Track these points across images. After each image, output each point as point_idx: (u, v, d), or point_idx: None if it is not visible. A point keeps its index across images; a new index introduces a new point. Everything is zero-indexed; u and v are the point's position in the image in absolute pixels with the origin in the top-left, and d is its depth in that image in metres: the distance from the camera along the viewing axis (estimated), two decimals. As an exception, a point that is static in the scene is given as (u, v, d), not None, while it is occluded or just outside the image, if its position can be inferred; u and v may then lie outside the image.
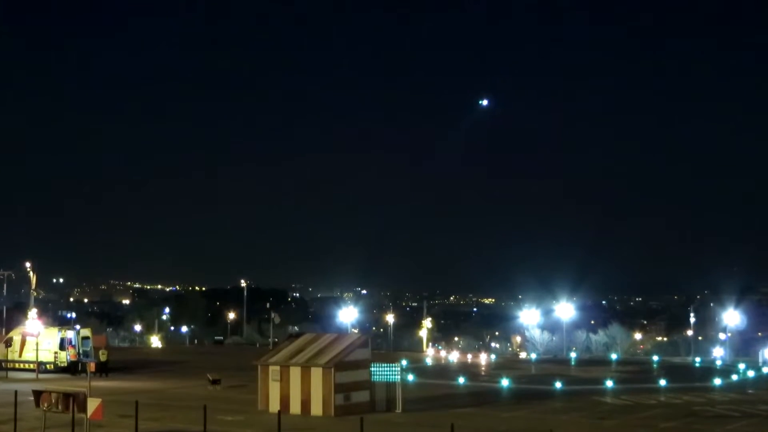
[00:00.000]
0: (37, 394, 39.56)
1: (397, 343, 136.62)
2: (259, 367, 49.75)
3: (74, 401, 37.68)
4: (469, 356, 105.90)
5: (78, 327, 79.41)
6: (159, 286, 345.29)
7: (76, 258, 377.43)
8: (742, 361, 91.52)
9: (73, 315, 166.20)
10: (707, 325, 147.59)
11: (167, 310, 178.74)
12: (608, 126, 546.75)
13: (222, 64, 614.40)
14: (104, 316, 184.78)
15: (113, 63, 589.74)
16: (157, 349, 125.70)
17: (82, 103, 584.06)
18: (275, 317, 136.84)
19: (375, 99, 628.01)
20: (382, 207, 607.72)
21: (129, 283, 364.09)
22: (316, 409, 47.15)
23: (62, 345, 73.48)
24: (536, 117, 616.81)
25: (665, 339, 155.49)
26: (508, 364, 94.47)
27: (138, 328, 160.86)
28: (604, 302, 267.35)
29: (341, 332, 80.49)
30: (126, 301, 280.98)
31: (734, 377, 75.83)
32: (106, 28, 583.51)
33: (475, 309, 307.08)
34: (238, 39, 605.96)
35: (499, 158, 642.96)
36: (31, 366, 71.15)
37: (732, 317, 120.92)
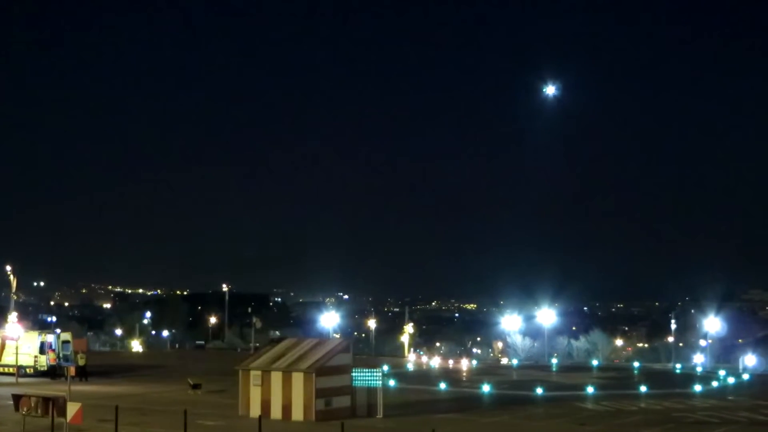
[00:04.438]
0: (17, 398, 39.40)
1: (378, 349, 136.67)
2: (240, 371, 49.59)
3: (54, 405, 37.54)
4: (451, 362, 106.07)
5: (58, 331, 79.04)
6: (140, 290, 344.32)
7: (57, 261, 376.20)
8: (723, 368, 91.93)
9: (54, 319, 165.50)
10: (688, 331, 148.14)
11: (148, 314, 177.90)
12: (586, 130, 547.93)
13: (201, 63, 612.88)
14: (85, 320, 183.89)
15: (87, 60, 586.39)
16: (137, 353, 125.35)
17: (58, 103, 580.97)
18: (256, 322, 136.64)
19: (355, 101, 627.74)
20: (365, 212, 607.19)
21: (110, 286, 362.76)
22: (297, 414, 47.06)
23: (42, 349, 73.11)
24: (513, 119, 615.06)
25: (646, 345, 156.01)
26: (489, 369, 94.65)
27: (119, 332, 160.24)
28: (585, 308, 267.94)
29: (323, 337, 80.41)
30: (107, 305, 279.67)
31: (714, 384, 76.15)
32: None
33: (456, 315, 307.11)
34: (203, 36, 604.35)
35: (477, 163, 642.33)
36: (11, 370, 70.72)
37: (713, 324, 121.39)
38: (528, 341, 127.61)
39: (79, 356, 72.87)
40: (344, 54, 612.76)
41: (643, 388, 68.47)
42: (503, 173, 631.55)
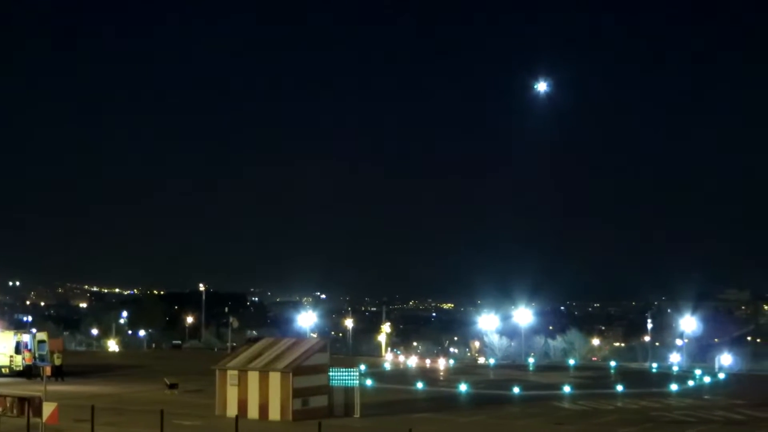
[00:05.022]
0: (-8, 398, 39.21)
1: (356, 348, 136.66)
2: (217, 371, 49.54)
3: (29, 405, 37.40)
4: (428, 361, 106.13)
5: (34, 330, 78.80)
6: (117, 290, 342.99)
7: (32, 261, 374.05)
8: (699, 367, 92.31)
9: (30, 318, 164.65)
10: (664, 331, 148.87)
11: (125, 313, 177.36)
12: (564, 130, 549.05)
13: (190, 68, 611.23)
14: (61, 320, 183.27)
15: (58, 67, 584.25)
16: (114, 353, 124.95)
17: (32, 97, 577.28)
18: (233, 321, 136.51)
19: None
20: (342, 211, 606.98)
21: (86, 286, 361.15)
22: (274, 413, 47.02)
23: (18, 349, 72.72)
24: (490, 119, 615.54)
25: (623, 345, 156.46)
26: (466, 369, 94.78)
27: (95, 331, 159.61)
28: (562, 308, 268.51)
29: (300, 337, 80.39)
30: (83, 305, 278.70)
31: (690, 383, 76.47)
32: None
33: (434, 314, 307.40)
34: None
35: (452, 162, 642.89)
36: (-14, 370, 70.46)
37: (689, 323, 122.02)
38: (505, 341, 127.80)
39: (55, 356, 72.56)
40: (324, 51, 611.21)
41: (619, 388, 68.73)
42: (480, 172, 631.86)
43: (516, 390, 65.90)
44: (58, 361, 71.76)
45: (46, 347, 74.60)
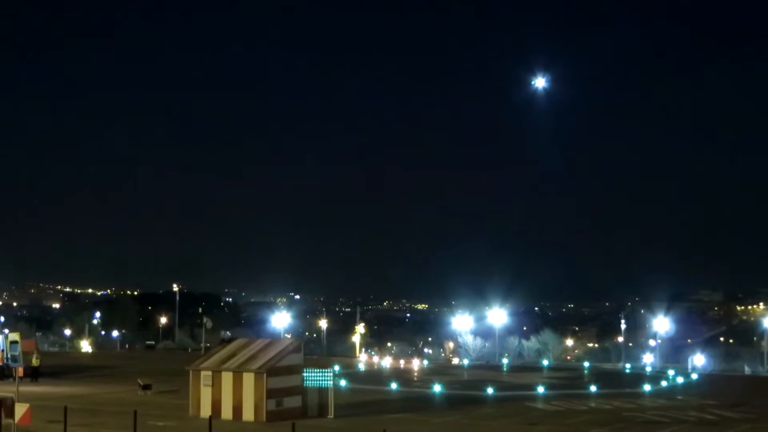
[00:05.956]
0: (-37, 400, 38.95)
1: (330, 349, 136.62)
2: (190, 372, 49.40)
3: (2, 406, 37.15)
4: (402, 362, 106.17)
5: (6, 331, 78.42)
6: (90, 290, 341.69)
7: (5, 261, 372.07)
8: (672, 368, 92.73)
9: (2, 319, 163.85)
10: (638, 331, 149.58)
11: (98, 314, 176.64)
12: (539, 131, 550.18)
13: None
14: (33, 321, 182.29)
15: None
16: (87, 353, 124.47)
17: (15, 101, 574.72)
18: (207, 322, 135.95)
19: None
20: (316, 213, 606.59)
21: (59, 286, 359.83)
22: (248, 414, 46.93)
23: (-10, 349, 72.41)
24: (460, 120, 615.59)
25: (597, 345, 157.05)
26: (440, 369, 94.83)
27: (68, 332, 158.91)
28: (536, 308, 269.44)
29: (274, 337, 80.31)
30: (56, 306, 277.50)
31: (664, 383, 76.74)
32: None
33: (408, 315, 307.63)
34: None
35: (426, 164, 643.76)
36: (-42, 371, 70.03)
37: (662, 324, 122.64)
38: (479, 341, 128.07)
39: (33, 357, 72.40)
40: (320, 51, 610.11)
41: (593, 388, 68.90)
42: (453, 175, 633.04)
43: (490, 390, 65.98)
44: (36, 362, 71.56)
45: (19, 348, 74.20)
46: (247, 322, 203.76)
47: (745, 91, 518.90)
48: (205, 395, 48.19)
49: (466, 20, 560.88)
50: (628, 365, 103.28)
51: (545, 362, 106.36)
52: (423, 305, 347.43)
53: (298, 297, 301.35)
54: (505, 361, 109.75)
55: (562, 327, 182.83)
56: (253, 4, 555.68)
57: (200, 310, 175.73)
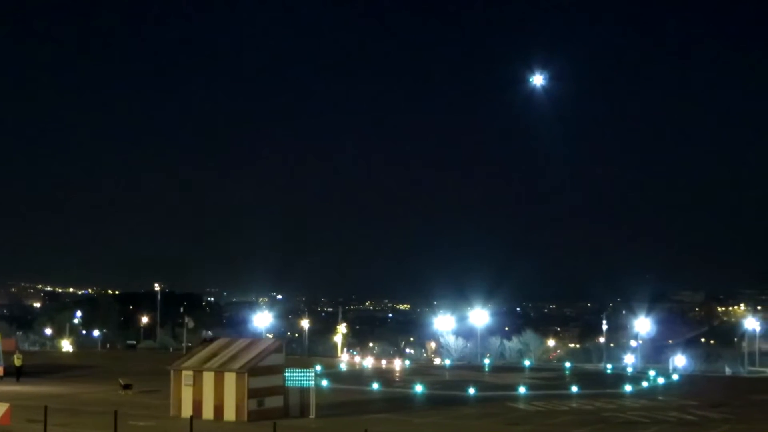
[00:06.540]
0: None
1: (311, 349, 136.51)
2: (171, 371, 49.31)
3: (-19, 406, 37.07)
4: (384, 362, 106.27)
5: (-14, 331, 78.06)
6: (71, 290, 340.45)
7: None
8: (653, 368, 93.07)
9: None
10: (619, 332, 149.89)
11: (79, 313, 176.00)
12: (519, 134, 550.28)
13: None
14: (14, 320, 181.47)
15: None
16: (68, 353, 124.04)
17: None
18: (189, 321, 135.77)
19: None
20: (298, 211, 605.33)
21: (40, 286, 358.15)
22: (229, 414, 46.88)
23: (-30, 349, 72.08)
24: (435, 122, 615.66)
25: (578, 346, 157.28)
26: (422, 370, 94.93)
27: (49, 331, 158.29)
28: (518, 309, 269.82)
29: (255, 337, 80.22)
30: (37, 305, 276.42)
31: (645, 384, 77.01)
32: None
33: (390, 315, 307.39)
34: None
35: (407, 162, 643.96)
36: (-63, 371, 69.71)
37: (643, 325, 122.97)
38: (461, 341, 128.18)
39: (16, 357, 72.20)
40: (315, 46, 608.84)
41: (574, 389, 69.10)
42: (434, 175, 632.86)
43: (471, 391, 66.09)
44: (18, 362, 71.36)
45: (-1, 347, 73.97)
46: (229, 321, 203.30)
47: (745, 91, 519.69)
48: (187, 395, 48.10)
49: (466, 20, 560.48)
50: (609, 366, 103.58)
51: (527, 363, 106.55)
52: (405, 305, 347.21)
53: (280, 297, 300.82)
54: (486, 361, 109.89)
55: (543, 327, 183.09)
56: (253, 5, 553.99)
57: (182, 309, 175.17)
